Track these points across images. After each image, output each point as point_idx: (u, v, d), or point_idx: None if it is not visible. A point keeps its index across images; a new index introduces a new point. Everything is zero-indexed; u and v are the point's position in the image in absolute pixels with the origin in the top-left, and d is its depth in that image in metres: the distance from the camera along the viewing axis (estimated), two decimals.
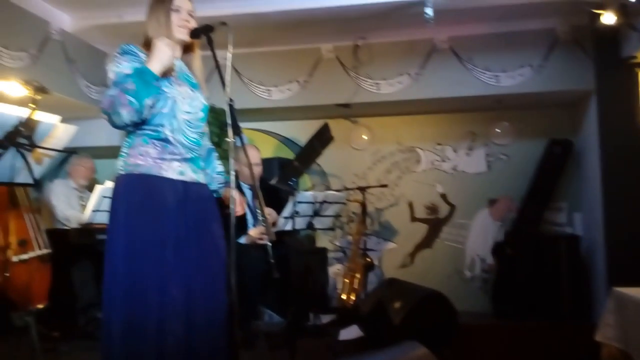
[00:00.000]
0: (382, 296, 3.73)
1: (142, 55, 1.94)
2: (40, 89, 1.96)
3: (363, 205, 4.87)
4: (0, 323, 3.73)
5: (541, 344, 3.98)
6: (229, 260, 1.90)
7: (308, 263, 4.33)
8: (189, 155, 2.02)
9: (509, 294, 4.83)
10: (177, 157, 1.97)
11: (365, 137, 5.93)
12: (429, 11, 3.99)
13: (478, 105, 5.39)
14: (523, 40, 4.78)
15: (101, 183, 3.74)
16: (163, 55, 1.87)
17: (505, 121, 5.63)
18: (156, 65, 1.85)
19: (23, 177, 1.87)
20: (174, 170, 1.96)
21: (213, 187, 2.19)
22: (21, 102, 1.62)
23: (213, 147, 2.28)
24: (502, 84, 4.83)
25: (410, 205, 5.79)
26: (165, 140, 1.95)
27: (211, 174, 2.21)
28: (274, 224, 3.53)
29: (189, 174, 2.01)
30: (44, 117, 1.75)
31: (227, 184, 2.18)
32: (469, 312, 4.77)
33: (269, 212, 3.36)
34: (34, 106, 1.69)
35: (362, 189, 4.86)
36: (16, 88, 2.11)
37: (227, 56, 1.92)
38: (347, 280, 4.77)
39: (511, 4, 4.28)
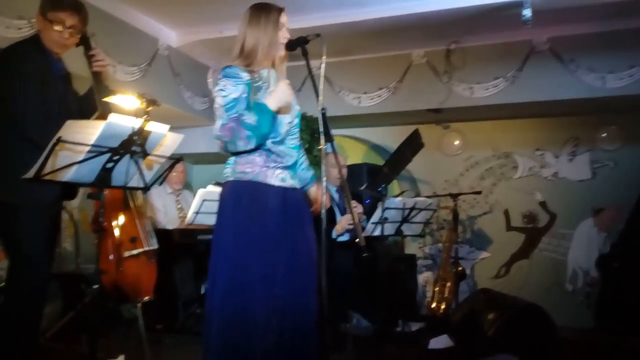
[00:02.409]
0: (475, 306, 3.62)
1: (244, 75, 2.03)
2: (151, 101, 2.16)
3: (454, 213, 4.75)
4: (112, 314, 4.10)
5: None
6: (320, 263, 1.96)
7: (396, 269, 4.30)
8: (289, 163, 2.13)
9: (615, 310, 4.48)
10: (279, 165, 2.09)
11: (457, 142, 5.79)
12: (527, 12, 3.84)
13: (581, 109, 5.07)
14: (632, 40, 4.44)
15: (198, 187, 3.99)
16: (284, 97, 2.01)
17: (612, 125, 5.24)
18: (275, 105, 1.99)
19: (135, 182, 2.06)
20: (277, 178, 2.07)
21: (301, 183, 2.26)
22: (135, 114, 1.79)
23: (300, 144, 2.36)
24: (609, 86, 4.52)
25: (506, 214, 5.56)
26: (269, 150, 2.07)
27: (298, 170, 2.28)
28: (359, 217, 3.59)
29: (289, 181, 2.12)
30: (155, 127, 1.91)
31: (312, 181, 2.29)
32: (570, 327, 4.47)
33: (355, 204, 3.48)
34: (147, 117, 1.85)
35: (453, 196, 4.75)
36: (131, 101, 2.33)
37: (320, 66, 1.99)
38: (437, 289, 4.68)
39: (617, 1, 4.00)
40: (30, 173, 1.78)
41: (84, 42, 2.44)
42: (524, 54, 4.78)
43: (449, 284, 4.61)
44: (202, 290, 4.54)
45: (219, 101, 2.01)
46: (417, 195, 5.61)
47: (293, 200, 2.12)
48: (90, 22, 2.45)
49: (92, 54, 2.44)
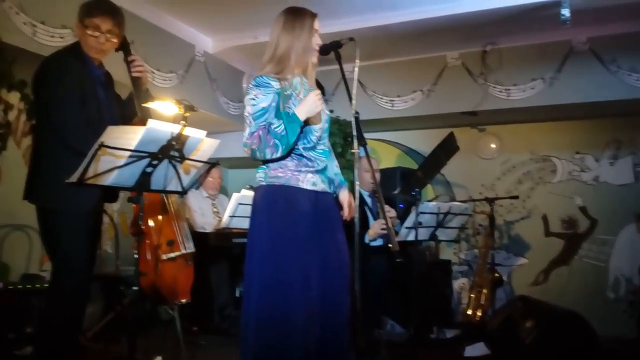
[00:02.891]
0: (512, 314, 3.54)
1: (274, 84, 2.05)
2: (189, 107, 2.20)
3: (491, 218, 4.67)
4: (150, 316, 4.19)
5: None
6: (352, 267, 1.96)
7: (431, 275, 4.25)
8: (320, 167, 2.14)
9: None
10: (310, 169, 2.10)
11: (493, 145, 5.69)
12: (566, 12, 3.76)
13: (623, 110, 4.90)
14: None
15: (233, 191, 4.03)
16: (313, 108, 2.02)
17: None
18: (304, 115, 2.01)
19: (174, 186, 2.10)
20: (308, 182, 2.09)
21: (332, 188, 2.26)
22: (173, 119, 1.84)
23: (330, 148, 2.36)
24: None
25: (545, 219, 5.42)
26: (301, 155, 2.09)
27: (329, 173, 2.28)
28: (392, 221, 3.56)
29: (320, 185, 2.14)
30: (192, 132, 1.95)
31: (342, 186, 2.26)
32: (611, 337, 4.32)
33: (388, 209, 3.45)
34: (184, 123, 1.89)
35: (489, 200, 4.66)
36: (170, 107, 2.39)
37: (353, 70, 1.99)
38: (473, 295, 4.59)
39: None
40: (74, 177, 1.83)
41: (124, 47, 2.49)
42: (562, 55, 4.67)
43: (485, 291, 4.52)
44: (237, 293, 4.60)
45: (248, 109, 2.04)
46: (452, 199, 5.54)
47: (324, 204, 2.13)
48: (130, 30, 2.51)
49: (131, 59, 2.49)
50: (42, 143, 2.31)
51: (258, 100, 2.02)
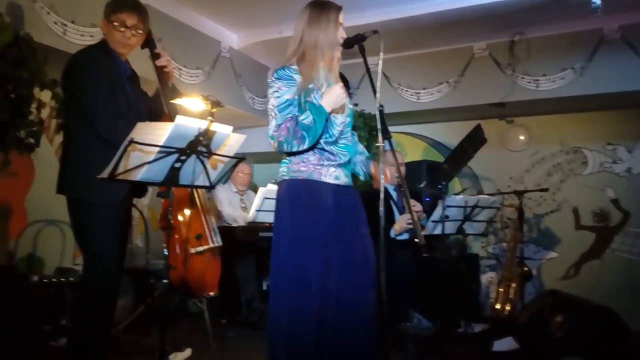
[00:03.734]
0: (542, 308, 3.49)
1: (296, 77, 2.06)
2: (216, 103, 2.23)
3: (519, 211, 4.59)
4: (180, 308, 4.27)
5: None
6: (378, 260, 1.96)
7: (458, 269, 4.22)
8: (342, 161, 2.14)
9: None
10: (333, 163, 2.11)
11: (522, 137, 5.59)
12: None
13: None
14: None
15: (259, 185, 4.07)
16: (338, 100, 2.02)
17: None
18: (330, 107, 2.02)
19: (201, 180, 2.13)
20: (331, 175, 2.10)
21: (365, 169, 2.27)
22: (201, 115, 1.86)
23: (356, 138, 2.37)
24: None
25: (576, 212, 5.31)
26: (323, 149, 2.09)
27: (361, 158, 2.30)
28: (418, 215, 3.54)
29: (343, 178, 2.14)
30: (219, 128, 1.98)
31: (369, 160, 2.27)
32: None
33: (414, 203, 3.45)
34: (211, 118, 1.92)
35: (518, 193, 4.59)
36: (197, 103, 2.42)
37: (378, 63, 1.98)
38: (501, 290, 4.54)
39: None
40: (105, 173, 1.88)
41: (149, 43, 2.55)
42: (593, 44, 4.55)
43: (514, 285, 4.46)
44: (264, 287, 4.65)
45: (272, 102, 2.05)
46: (480, 192, 5.47)
47: (347, 198, 2.13)
48: (158, 28, 2.56)
49: (157, 52, 2.56)
50: (73, 136, 2.36)
51: (282, 92, 2.04)
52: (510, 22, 4.58)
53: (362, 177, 2.32)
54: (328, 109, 2.01)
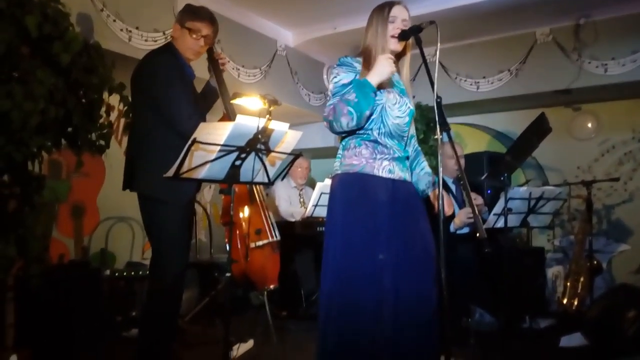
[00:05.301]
0: (613, 303, 3.33)
1: (357, 66, 2.08)
2: (273, 102, 2.28)
3: (588, 202, 4.38)
4: (242, 301, 4.40)
5: None
6: (438, 255, 1.93)
7: (522, 263, 4.08)
8: (396, 155, 2.11)
9: None
10: (386, 156, 2.09)
11: (590, 125, 5.33)
12: None
13: None
14: None
15: (317, 180, 4.10)
16: (383, 70, 1.98)
17: None
18: (375, 78, 1.98)
19: (260, 177, 2.18)
20: (384, 169, 2.08)
21: (421, 187, 2.22)
22: (259, 114, 1.91)
23: (420, 148, 2.33)
24: None
25: None
26: (375, 142, 2.08)
27: (420, 173, 2.25)
28: (478, 209, 3.45)
29: (397, 172, 2.11)
30: (276, 125, 2.01)
31: (434, 185, 2.18)
32: None
33: (475, 196, 3.39)
34: (269, 116, 1.96)
35: (586, 184, 4.38)
36: (255, 102, 2.48)
37: (435, 53, 1.95)
38: (569, 284, 4.36)
39: None
40: (170, 172, 1.96)
41: (209, 48, 2.67)
42: None
43: (582, 279, 4.27)
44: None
45: (330, 87, 2.09)
46: (545, 183, 5.27)
47: (403, 192, 2.10)
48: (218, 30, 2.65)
49: (216, 57, 2.68)
50: (149, 135, 2.42)
51: (339, 77, 2.06)
52: (575, 5, 4.38)
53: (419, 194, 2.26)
54: (374, 82, 1.97)
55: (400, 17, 2.10)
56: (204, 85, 2.72)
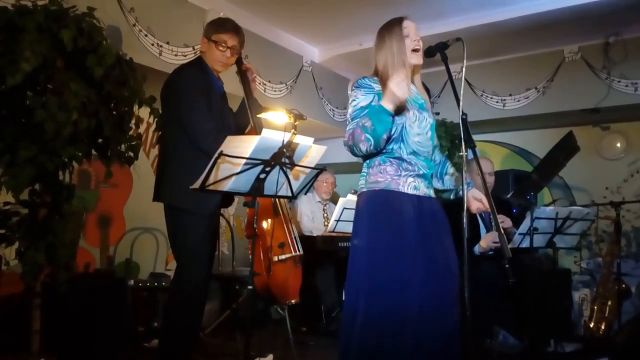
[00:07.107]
0: None
1: (376, 86, 2.08)
2: (299, 116, 2.30)
3: (616, 223, 4.28)
4: (263, 314, 4.39)
5: None
6: (462, 273, 1.91)
7: (548, 284, 3.99)
8: (421, 172, 2.11)
9: None
10: (411, 173, 2.09)
11: (619, 144, 5.23)
12: None
13: None
14: None
15: (341, 195, 4.10)
16: (394, 97, 1.96)
17: None
18: (390, 103, 1.97)
19: (284, 191, 2.20)
20: (409, 185, 2.07)
21: (450, 185, 2.24)
22: (284, 128, 1.93)
23: (445, 157, 2.33)
24: None
25: None
26: (400, 159, 2.08)
27: (453, 175, 2.26)
28: (507, 232, 3.38)
29: (423, 189, 2.11)
30: (301, 140, 2.03)
31: (469, 185, 2.16)
32: None
33: (502, 219, 3.31)
34: (294, 131, 1.98)
35: (615, 205, 4.27)
36: (281, 116, 2.51)
37: (461, 70, 1.94)
38: (596, 307, 4.24)
39: None
40: (197, 184, 1.99)
41: (238, 60, 2.72)
42: None
43: (610, 303, 4.15)
44: (344, 297, 4.65)
45: (349, 111, 2.09)
46: (572, 204, 5.17)
47: (428, 208, 2.09)
48: (245, 45, 2.70)
49: (244, 68, 2.73)
50: (175, 149, 2.49)
51: (358, 100, 2.06)
52: (605, 23, 4.33)
53: (448, 193, 2.27)
54: (389, 107, 1.96)
55: (413, 31, 2.11)
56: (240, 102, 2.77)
